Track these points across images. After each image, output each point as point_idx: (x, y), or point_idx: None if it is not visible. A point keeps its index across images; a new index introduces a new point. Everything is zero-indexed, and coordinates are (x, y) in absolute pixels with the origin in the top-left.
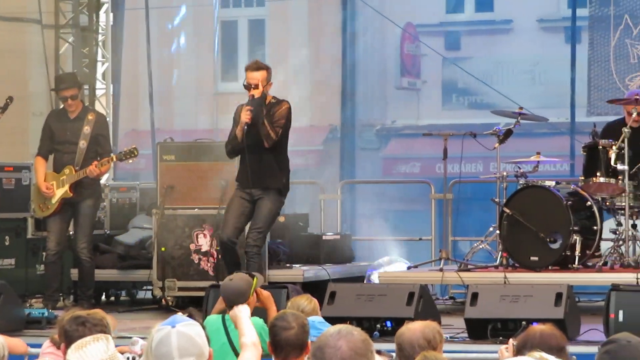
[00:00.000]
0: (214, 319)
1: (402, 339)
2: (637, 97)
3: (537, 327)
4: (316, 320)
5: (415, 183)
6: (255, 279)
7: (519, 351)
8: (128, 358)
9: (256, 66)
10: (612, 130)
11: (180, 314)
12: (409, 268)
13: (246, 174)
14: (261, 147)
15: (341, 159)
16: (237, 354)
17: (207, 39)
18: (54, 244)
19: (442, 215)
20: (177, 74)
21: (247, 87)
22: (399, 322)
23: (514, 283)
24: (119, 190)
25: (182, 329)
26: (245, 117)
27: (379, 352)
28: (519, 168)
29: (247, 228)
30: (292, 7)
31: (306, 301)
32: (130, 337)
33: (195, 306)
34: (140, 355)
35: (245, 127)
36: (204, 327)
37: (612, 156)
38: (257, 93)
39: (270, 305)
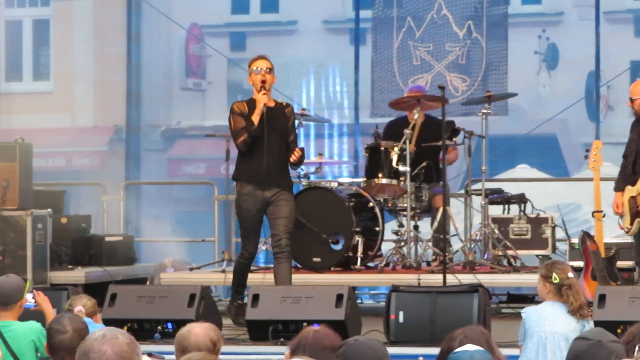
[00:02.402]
0: None
1: (187, 342)
2: (418, 96)
3: (310, 328)
4: (91, 323)
5: (199, 184)
6: (28, 282)
7: (293, 353)
8: None
9: (264, 56)
10: (394, 130)
11: None
12: (191, 269)
13: (261, 168)
14: (281, 141)
15: (126, 160)
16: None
17: None
18: None
19: (225, 217)
20: None
21: (258, 72)
22: (179, 323)
23: (295, 284)
24: None
25: None
26: (265, 98)
27: (150, 354)
28: (302, 169)
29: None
30: (76, 7)
31: (86, 300)
32: None
33: None
34: None
35: (265, 109)
36: None
37: (394, 157)
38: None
39: (47, 308)
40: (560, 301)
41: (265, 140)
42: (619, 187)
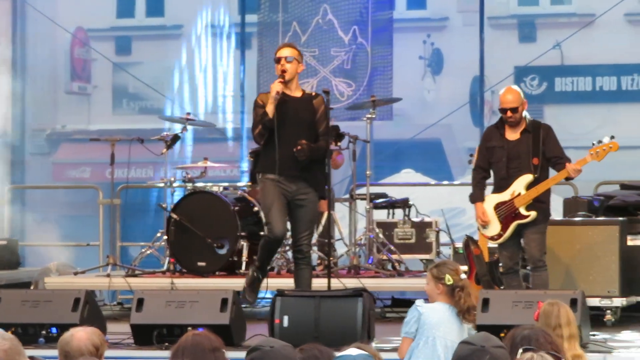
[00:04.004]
0: None
1: (70, 346)
2: None
3: (190, 332)
4: None
5: (84, 188)
6: None
7: (173, 358)
8: None
9: (288, 44)
10: None
11: None
12: (75, 274)
13: (284, 160)
14: (307, 133)
15: (11, 163)
16: None
17: None
18: None
19: (110, 221)
20: None
21: (277, 60)
22: (64, 328)
23: (180, 289)
24: None
25: None
26: (278, 86)
27: (32, 358)
28: (187, 173)
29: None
30: None
31: None
32: None
33: None
34: None
35: (278, 97)
36: None
37: None
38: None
39: None
40: (452, 303)
41: (281, 131)
42: (478, 198)
